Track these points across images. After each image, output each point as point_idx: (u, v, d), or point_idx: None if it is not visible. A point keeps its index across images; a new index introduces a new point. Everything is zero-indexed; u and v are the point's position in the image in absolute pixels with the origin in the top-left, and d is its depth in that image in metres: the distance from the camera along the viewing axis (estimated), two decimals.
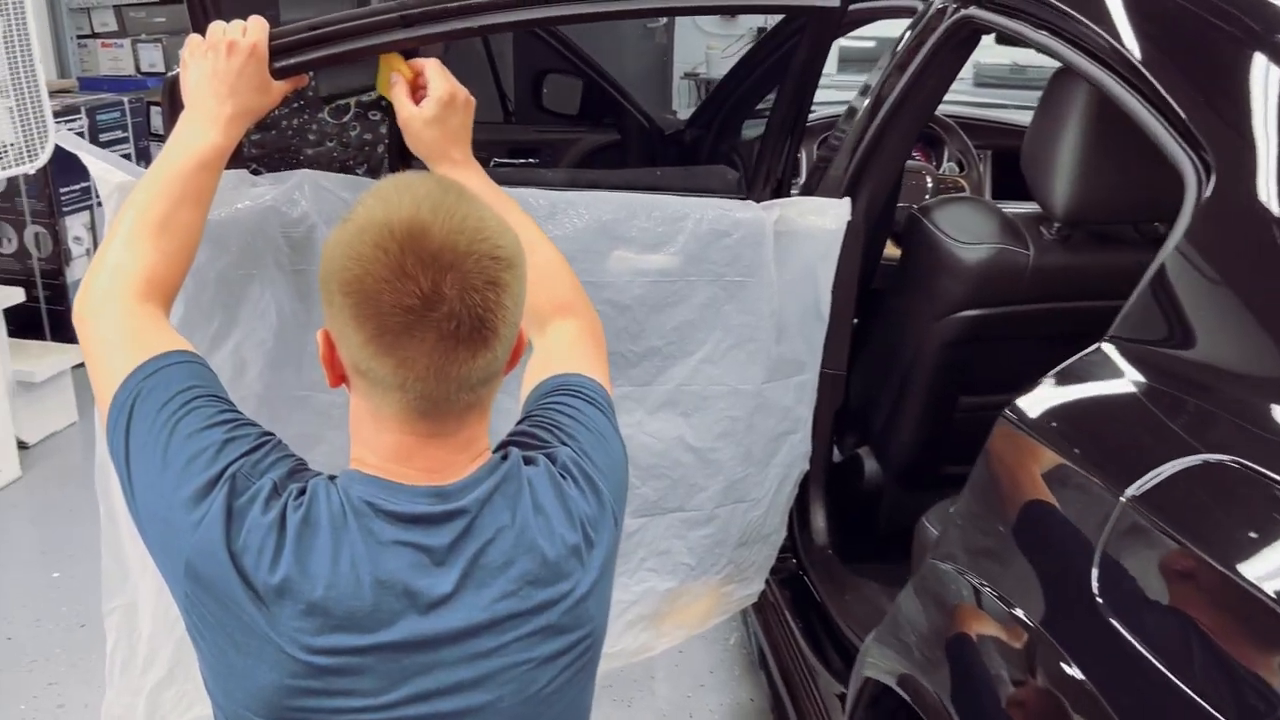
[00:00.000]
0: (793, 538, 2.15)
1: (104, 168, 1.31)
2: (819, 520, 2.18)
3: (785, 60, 2.57)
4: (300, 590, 0.96)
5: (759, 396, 1.90)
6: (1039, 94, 1.80)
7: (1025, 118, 1.91)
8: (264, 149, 1.46)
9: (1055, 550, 1.14)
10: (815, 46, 1.72)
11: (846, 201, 1.88)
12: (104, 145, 4.04)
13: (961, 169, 2.89)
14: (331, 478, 1.03)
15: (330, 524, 0.98)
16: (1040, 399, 1.21)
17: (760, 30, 6.16)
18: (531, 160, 2.98)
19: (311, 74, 1.42)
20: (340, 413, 1.64)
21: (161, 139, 4.50)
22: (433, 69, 1.38)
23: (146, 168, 1.25)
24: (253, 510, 0.98)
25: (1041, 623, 1.10)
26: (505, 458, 1.07)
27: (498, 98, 3.09)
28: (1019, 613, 1.13)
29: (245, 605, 0.96)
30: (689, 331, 1.82)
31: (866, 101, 1.96)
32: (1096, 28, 1.39)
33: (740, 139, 2.93)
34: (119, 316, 1.14)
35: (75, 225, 3.97)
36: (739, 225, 1.80)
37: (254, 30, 1.27)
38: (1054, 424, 1.19)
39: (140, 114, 4.26)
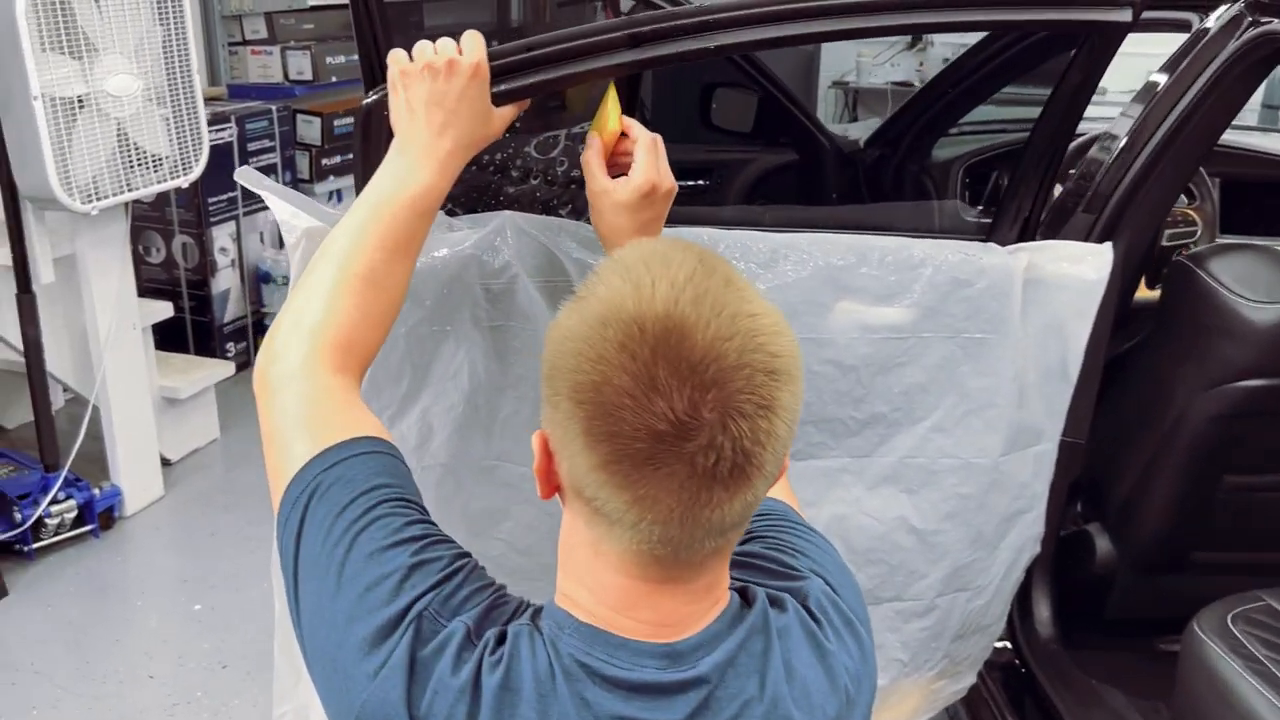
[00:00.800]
0: (1011, 626, 1.89)
1: (289, 210, 1.13)
2: (1043, 609, 1.90)
3: (999, 73, 2.33)
4: None
5: (995, 471, 1.64)
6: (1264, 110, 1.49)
7: (1254, 140, 1.61)
8: (461, 186, 1.26)
9: None
10: (1093, 66, 1.45)
11: (1108, 248, 1.61)
12: (251, 155, 3.99)
13: (1191, 199, 2.56)
14: (536, 613, 0.83)
15: (535, 690, 0.78)
16: None
17: (916, 39, 5.87)
18: (701, 183, 2.77)
19: None
20: (532, 485, 1.46)
21: (306, 148, 4.44)
22: (642, 147, 1.16)
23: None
24: (441, 665, 0.79)
25: None
26: (748, 601, 0.86)
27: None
28: None
29: None
30: (919, 396, 1.57)
31: (1126, 131, 1.68)
32: None
33: (931, 160, 2.67)
34: (305, 389, 0.95)
35: (221, 236, 3.91)
36: (983, 273, 1.55)
37: (473, 48, 1.08)
38: None
39: (287, 123, 4.19)
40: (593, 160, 1.17)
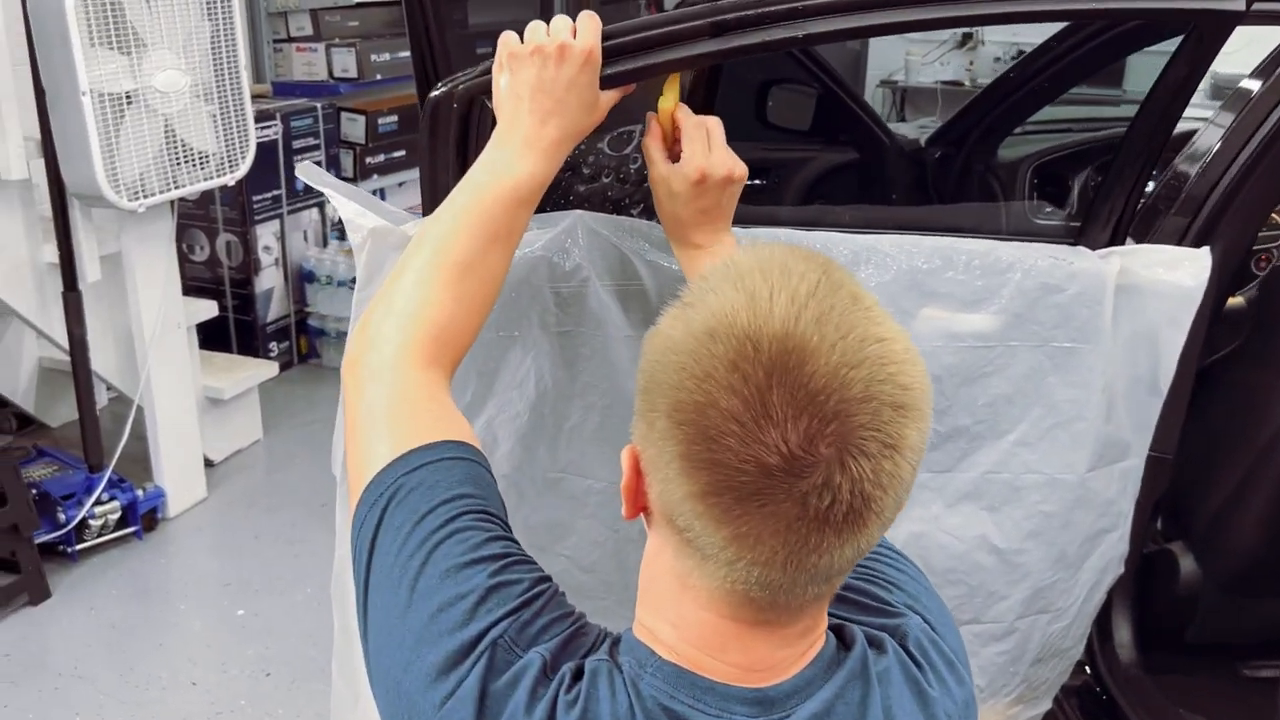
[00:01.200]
0: (1090, 650, 1.80)
1: (354, 208, 1.06)
2: (1124, 631, 1.81)
3: (1070, 71, 2.24)
4: None
5: (1081, 487, 1.55)
6: None
7: None
8: None
9: None
10: (1199, 60, 1.36)
11: (1206, 253, 1.52)
12: (296, 153, 3.95)
13: None
14: (614, 644, 0.77)
15: None
16: None
17: (966, 36, 5.75)
18: (758, 182, 2.69)
19: None
20: (598, 499, 1.40)
21: (350, 146, 4.40)
22: (688, 133, 1.10)
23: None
24: (514, 700, 0.72)
25: None
26: (845, 643, 0.78)
27: None
28: None
29: None
30: (1004, 408, 1.49)
31: (1225, 129, 1.59)
32: None
33: (998, 159, 2.58)
34: (395, 383, 0.90)
35: (265, 234, 3.88)
36: (1074, 278, 1.46)
37: (588, 31, 1.01)
38: None
39: (331, 120, 4.15)
40: (651, 145, 1.12)
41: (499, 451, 1.26)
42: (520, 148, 1.00)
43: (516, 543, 0.81)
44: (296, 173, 1.08)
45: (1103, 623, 1.82)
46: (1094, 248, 1.52)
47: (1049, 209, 1.78)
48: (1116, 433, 1.58)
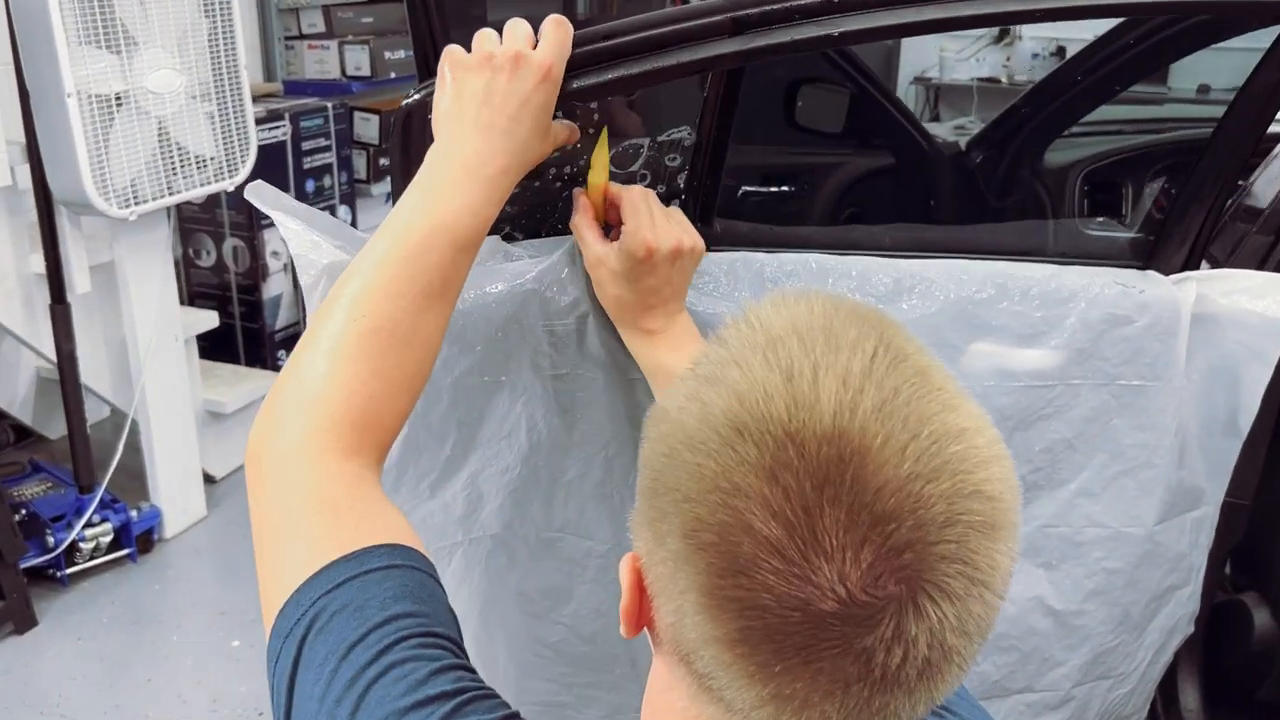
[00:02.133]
0: (1153, 714, 1.62)
1: (307, 241, 0.90)
2: (1190, 695, 1.63)
3: (1127, 69, 2.05)
4: None
5: (1149, 541, 1.38)
6: None
7: None
8: (521, 206, 1.03)
9: None
10: None
11: None
12: (306, 155, 3.81)
13: None
14: None
15: None
16: None
17: (1004, 33, 5.54)
18: (786, 188, 2.51)
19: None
20: (599, 563, 1.23)
21: (363, 147, 4.25)
22: (628, 205, 0.96)
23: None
24: None
25: None
26: None
27: None
28: None
29: None
30: (1064, 454, 1.32)
31: None
32: None
33: (1044, 165, 2.39)
34: (308, 479, 0.74)
35: (274, 239, 3.73)
36: (1145, 308, 1.29)
37: (551, 41, 0.85)
38: None
39: (343, 120, 4.01)
40: (581, 224, 0.98)
41: (487, 509, 1.11)
42: (460, 177, 0.83)
43: (471, 670, 0.65)
44: (245, 194, 0.93)
45: (1166, 685, 1.64)
46: (1167, 272, 1.34)
47: (1110, 224, 1.59)
48: (1189, 479, 1.40)
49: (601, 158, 0.97)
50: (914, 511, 0.49)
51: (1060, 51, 5.35)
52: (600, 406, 1.08)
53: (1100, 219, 1.86)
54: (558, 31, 0.86)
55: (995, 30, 5.46)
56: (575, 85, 0.91)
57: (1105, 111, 2.42)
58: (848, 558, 0.48)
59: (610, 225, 0.99)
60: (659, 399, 0.60)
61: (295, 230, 0.91)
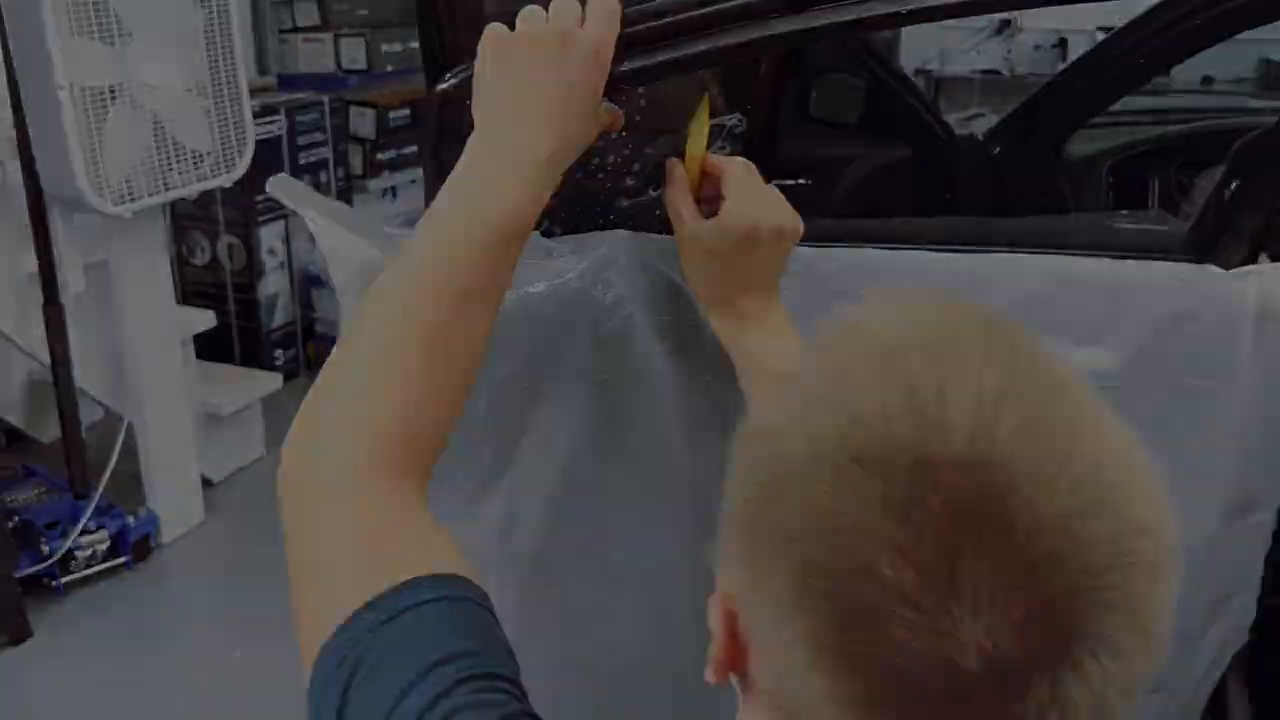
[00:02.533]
0: None
1: (339, 237, 0.83)
2: (1240, 709, 1.57)
3: (1159, 54, 1.99)
4: None
5: (1207, 549, 1.32)
6: None
7: None
8: (563, 198, 0.96)
9: None
10: None
11: None
12: (301, 150, 3.73)
13: None
14: None
15: None
16: None
17: (1004, 24, 5.50)
18: (801, 182, 2.45)
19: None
20: (639, 581, 1.16)
21: (360, 142, 4.17)
22: (731, 178, 0.90)
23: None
24: None
25: None
26: None
27: None
28: None
29: None
30: None
31: None
32: None
33: (1066, 157, 2.34)
34: (355, 506, 0.67)
35: (270, 237, 3.66)
36: (1207, 304, 1.23)
37: (600, 20, 0.78)
38: None
39: (340, 115, 3.93)
40: (675, 198, 0.91)
41: (522, 528, 1.04)
42: (504, 166, 0.77)
43: (531, 712, 0.58)
44: (268, 187, 0.85)
45: (1216, 698, 1.58)
46: (1227, 267, 1.28)
47: (1162, 216, 1.53)
48: (1250, 483, 1.34)
49: (702, 126, 0.90)
50: (1072, 554, 0.42)
51: (1062, 43, 5.31)
52: (647, 415, 1.02)
53: (1154, 210, 1.79)
54: (606, 9, 0.80)
55: (996, 21, 5.43)
56: (626, 67, 0.84)
57: (1128, 102, 2.37)
58: (993, 611, 0.41)
59: (701, 200, 0.92)
60: (753, 414, 0.53)
61: (325, 226, 0.84)
